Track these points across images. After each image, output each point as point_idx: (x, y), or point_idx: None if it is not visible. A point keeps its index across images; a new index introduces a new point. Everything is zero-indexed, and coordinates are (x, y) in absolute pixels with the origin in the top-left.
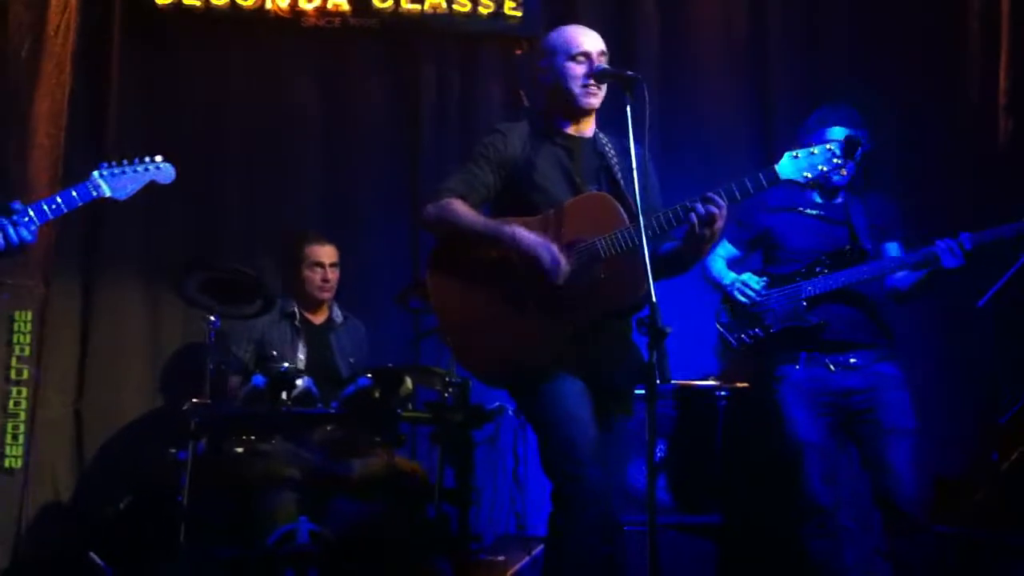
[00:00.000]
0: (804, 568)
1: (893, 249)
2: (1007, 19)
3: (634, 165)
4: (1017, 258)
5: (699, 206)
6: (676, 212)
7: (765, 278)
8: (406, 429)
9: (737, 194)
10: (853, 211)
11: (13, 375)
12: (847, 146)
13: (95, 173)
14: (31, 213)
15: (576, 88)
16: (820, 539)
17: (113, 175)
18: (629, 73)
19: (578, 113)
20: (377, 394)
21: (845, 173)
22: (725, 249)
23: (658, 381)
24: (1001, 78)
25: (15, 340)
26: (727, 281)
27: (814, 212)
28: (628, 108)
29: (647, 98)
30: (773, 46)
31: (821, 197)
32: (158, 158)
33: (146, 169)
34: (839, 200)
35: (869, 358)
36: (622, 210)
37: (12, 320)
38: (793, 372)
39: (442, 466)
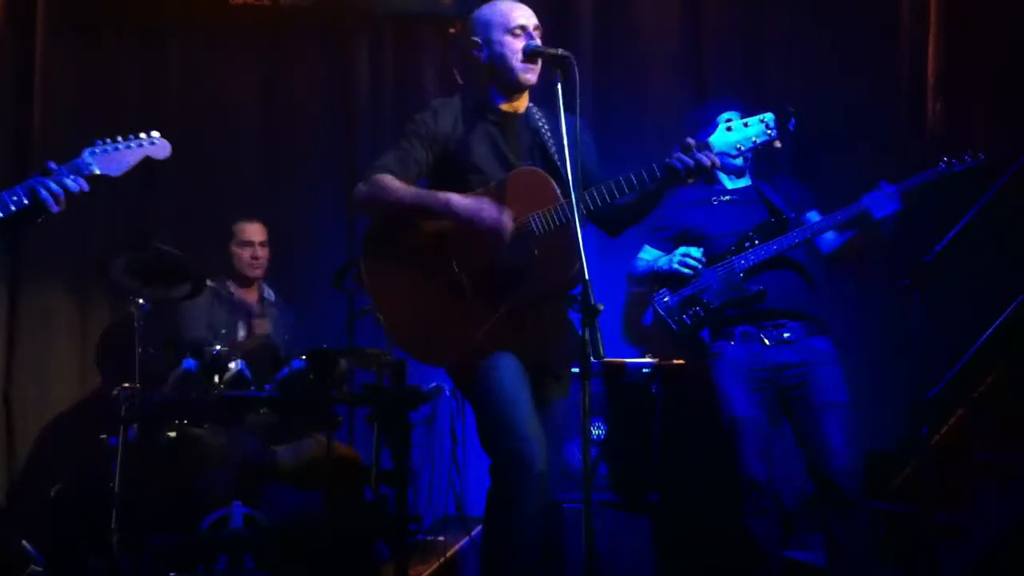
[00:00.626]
0: (740, 544)
1: (814, 216)
2: (935, 2)
3: (565, 142)
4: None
5: (686, 156)
6: (624, 181)
7: (702, 248)
8: (343, 411)
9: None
10: (764, 191)
11: None
12: (780, 118)
13: (85, 151)
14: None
15: (515, 63)
16: (756, 517)
17: (105, 152)
18: (560, 51)
19: (514, 89)
20: (312, 376)
21: (779, 146)
22: (648, 253)
23: (591, 358)
24: (929, 60)
25: None
26: (662, 262)
27: (727, 198)
28: (559, 86)
29: (578, 77)
30: (708, 21)
31: (730, 181)
32: (155, 133)
33: (140, 145)
34: (747, 183)
35: (802, 332)
36: (556, 186)
37: None
38: (728, 348)
39: (378, 448)
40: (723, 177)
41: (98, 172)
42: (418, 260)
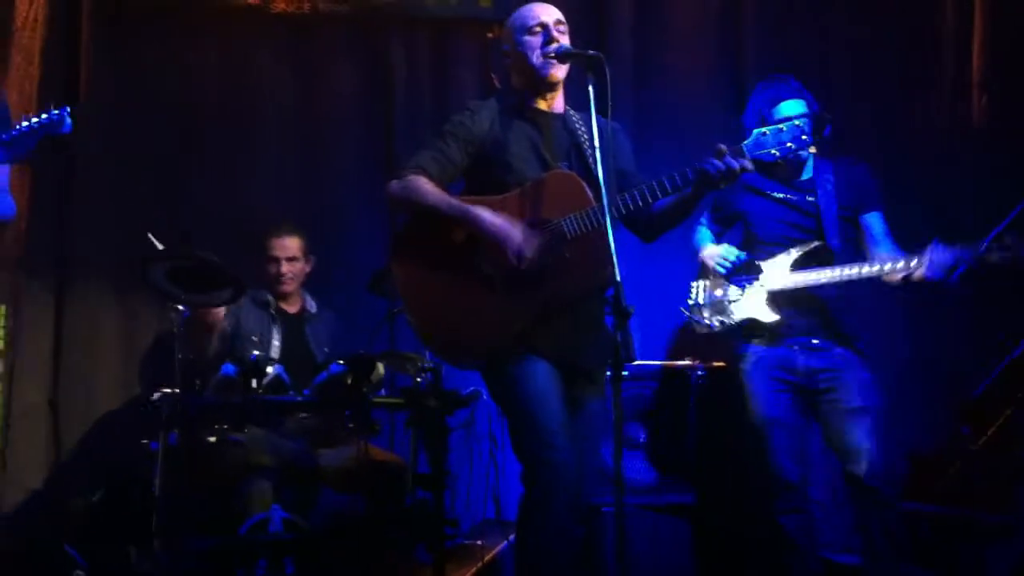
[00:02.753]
0: (778, 544)
1: (874, 224)
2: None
3: (596, 144)
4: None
5: (718, 160)
6: (657, 184)
7: (743, 254)
8: (383, 416)
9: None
10: (821, 191)
11: None
12: (816, 124)
13: None
14: None
15: (535, 59)
16: (789, 515)
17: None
18: (590, 52)
19: (543, 87)
20: (349, 381)
21: (815, 151)
22: (704, 228)
23: (624, 361)
24: (975, 54)
25: None
26: (705, 252)
27: (780, 196)
28: (591, 87)
29: (609, 76)
30: (748, 20)
31: (786, 175)
32: (53, 110)
33: (40, 123)
34: (805, 176)
35: (830, 342)
36: (589, 190)
37: None
38: (757, 350)
39: (415, 452)
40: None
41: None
42: (450, 261)
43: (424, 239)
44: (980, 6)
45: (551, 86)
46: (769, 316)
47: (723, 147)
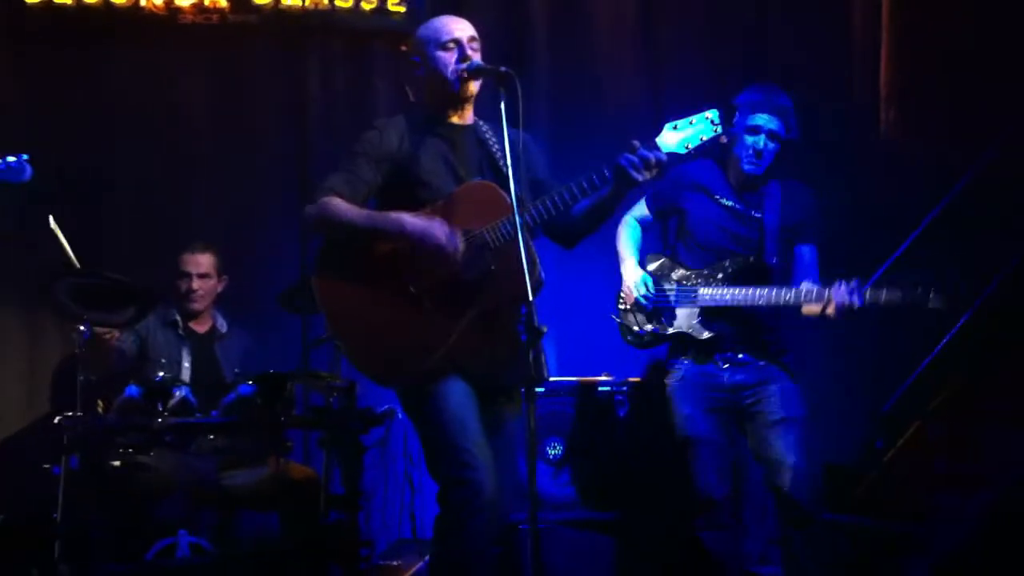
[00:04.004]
0: (701, 561)
1: (806, 254)
2: (887, 10)
3: (508, 156)
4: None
5: (631, 155)
6: (576, 186)
7: (669, 285)
8: (296, 434)
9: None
10: (767, 209)
11: None
12: (725, 114)
13: None
14: None
15: (449, 75)
16: (711, 531)
17: None
18: (502, 69)
19: (455, 101)
20: (259, 401)
21: (725, 140)
22: (639, 210)
23: (536, 380)
24: (883, 69)
25: None
26: (624, 273)
27: (728, 203)
28: (503, 104)
29: (520, 91)
30: (666, 38)
31: (737, 184)
32: (11, 158)
33: None
34: (754, 193)
35: (758, 354)
36: (508, 197)
37: None
38: (683, 366)
39: (328, 471)
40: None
41: None
42: (374, 278)
43: (347, 256)
44: (887, 20)
45: (464, 101)
46: (702, 333)
47: (636, 142)
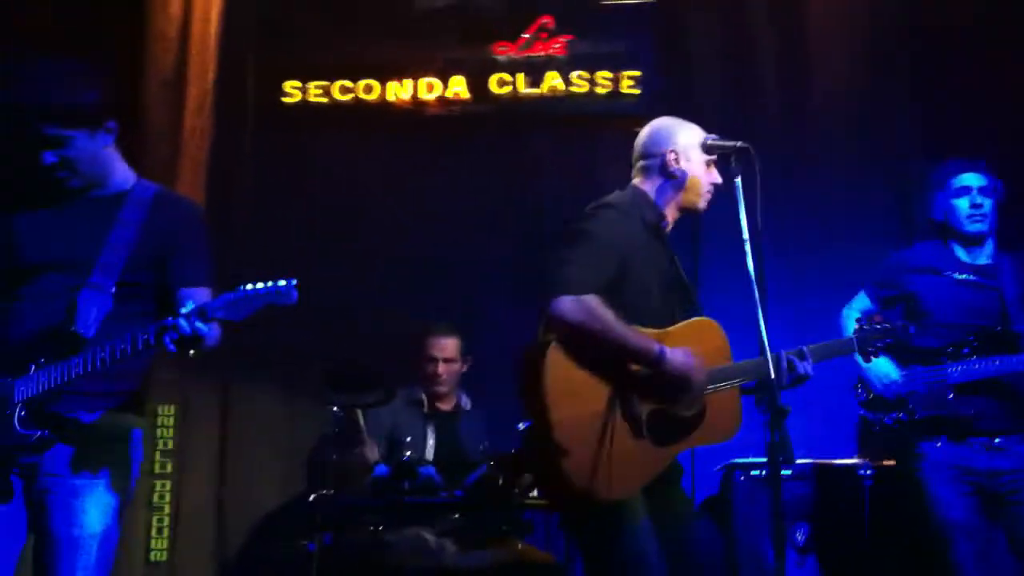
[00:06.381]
0: None
1: None
2: None
3: (748, 248)
4: None
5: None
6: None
7: (904, 370)
8: (537, 517)
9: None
10: (1004, 276)
11: (157, 468)
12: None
13: (216, 299)
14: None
15: (704, 193)
16: None
17: (232, 299)
18: (739, 144)
19: (689, 211)
20: (500, 481)
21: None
22: (861, 302)
23: (783, 463)
24: None
25: (158, 434)
26: (863, 364)
27: (962, 277)
28: (738, 179)
29: (757, 168)
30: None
31: (967, 254)
32: (282, 282)
33: (266, 291)
34: (988, 261)
35: (1016, 439)
36: (725, 340)
37: (156, 414)
38: (934, 450)
39: (569, 556)
40: (958, 248)
41: (220, 317)
42: (600, 390)
43: (578, 358)
44: None
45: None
46: (957, 412)
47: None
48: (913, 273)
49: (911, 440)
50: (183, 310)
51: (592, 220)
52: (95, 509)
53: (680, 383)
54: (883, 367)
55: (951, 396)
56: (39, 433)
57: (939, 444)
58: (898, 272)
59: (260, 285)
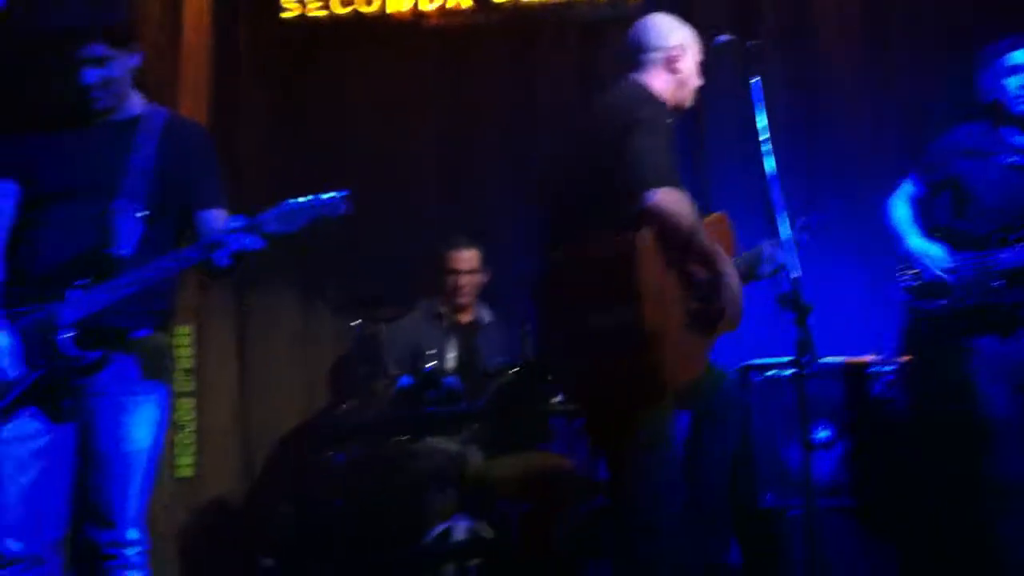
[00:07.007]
0: (992, 552)
1: None
2: None
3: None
4: None
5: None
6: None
7: (957, 256)
8: (559, 423)
9: None
10: None
11: (177, 387)
12: None
13: (265, 213)
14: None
15: (694, 93)
16: (1009, 521)
17: (283, 212)
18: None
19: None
20: (523, 389)
21: None
22: (907, 188)
23: (806, 360)
24: None
25: (177, 354)
26: (913, 247)
27: (1011, 160)
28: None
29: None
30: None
31: (1017, 136)
32: (332, 193)
33: (316, 204)
34: None
35: None
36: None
37: (172, 335)
38: (986, 344)
39: (591, 461)
40: (1008, 131)
41: (271, 231)
42: (672, 279)
43: (667, 250)
44: None
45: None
46: (1005, 301)
47: None
48: (960, 156)
49: (957, 333)
50: (233, 225)
51: (647, 110)
52: (145, 424)
53: (729, 294)
54: (933, 250)
55: (999, 283)
56: (98, 353)
57: (987, 337)
58: (945, 154)
59: (310, 197)
